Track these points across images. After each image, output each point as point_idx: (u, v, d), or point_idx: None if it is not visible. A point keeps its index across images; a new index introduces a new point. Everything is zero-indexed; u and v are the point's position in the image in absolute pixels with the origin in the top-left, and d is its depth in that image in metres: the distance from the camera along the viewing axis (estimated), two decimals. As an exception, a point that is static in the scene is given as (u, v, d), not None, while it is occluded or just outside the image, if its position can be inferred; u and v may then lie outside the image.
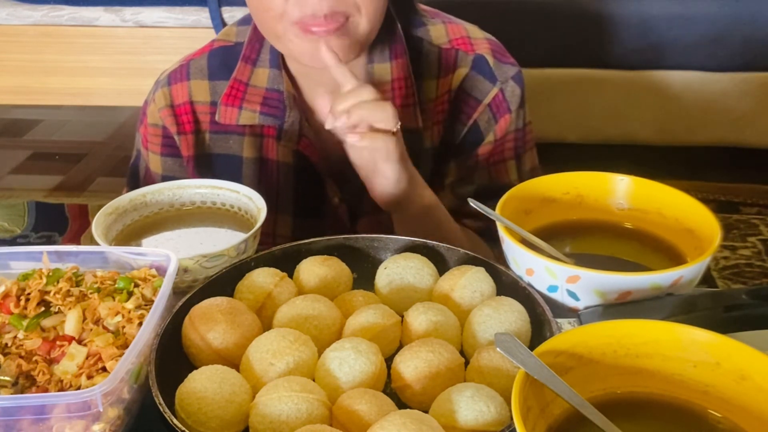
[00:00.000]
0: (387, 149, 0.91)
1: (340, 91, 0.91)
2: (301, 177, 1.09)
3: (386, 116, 0.89)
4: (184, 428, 0.64)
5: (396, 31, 1.06)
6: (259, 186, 1.07)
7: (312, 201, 1.08)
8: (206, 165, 1.10)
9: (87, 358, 0.71)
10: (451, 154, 1.12)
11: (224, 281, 0.83)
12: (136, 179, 1.15)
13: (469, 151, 1.11)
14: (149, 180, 1.13)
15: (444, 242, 0.88)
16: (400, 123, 0.91)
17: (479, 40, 1.10)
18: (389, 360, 0.75)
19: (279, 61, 1.05)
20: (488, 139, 1.10)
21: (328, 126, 0.90)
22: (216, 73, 1.09)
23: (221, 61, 1.09)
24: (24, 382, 0.70)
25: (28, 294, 0.77)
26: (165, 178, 1.10)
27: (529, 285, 0.81)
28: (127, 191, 1.12)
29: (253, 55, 1.07)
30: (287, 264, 0.86)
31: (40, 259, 0.82)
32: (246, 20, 1.11)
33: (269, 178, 1.09)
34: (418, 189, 0.99)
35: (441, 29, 1.10)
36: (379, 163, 0.93)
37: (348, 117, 0.88)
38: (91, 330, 0.73)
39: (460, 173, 1.12)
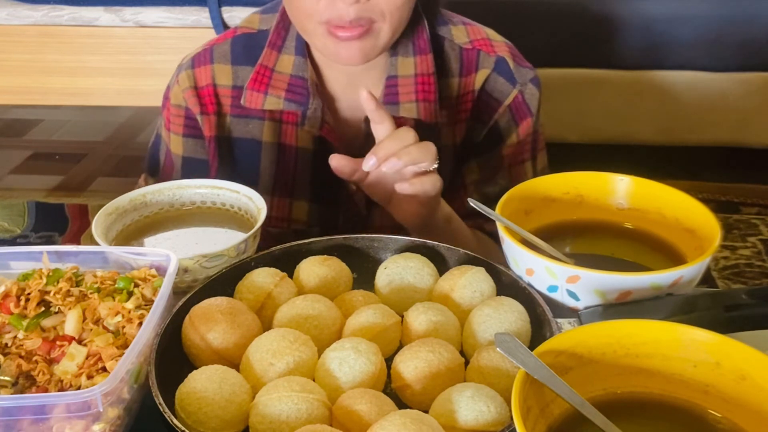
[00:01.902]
0: (435, 189, 0.92)
1: (377, 128, 0.93)
2: (319, 163, 1.10)
3: (430, 156, 0.90)
4: (184, 428, 0.64)
5: (422, 26, 1.08)
6: (277, 171, 1.10)
7: (329, 187, 1.10)
8: (226, 147, 1.12)
9: (87, 358, 0.71)
10: (472, 153, 1.14)
11: (224, 281, 0.83)
12: (156, 162, 1.18)
13: (489, 152, 1.13)
14: (169, 162, 1.15)
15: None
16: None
17: (498, 42, 1.13)
18: (389, 360, 0.75)
19: (304, 49, 1.08)
20: (510, 141, 1.13)
21: (369, 167, 0.90)
22: (239, 58, 1.11)
23: (244, 47, 1.12)
24: (24, 382, 0.71)
25: (28, 294, 0.77)
26: (186, 159, 1.13)
27: (529, 285, 0.81)
28: (145, 176, 1.13)
29: (279, 41, 1.09)
30: (287, 264, 0.86)
31: (40, 259, 0.82)
32: (270, 9, 1.14)
33: (287, 164, 1.11)
34: (440, 206, 1.00)
35: (462, 30, 1.13)
36: (422, 200, 0.94)
37: (398, 159, 0.89)
38: (91, 330, 0.73)
39: (483, 174, 1.14)
